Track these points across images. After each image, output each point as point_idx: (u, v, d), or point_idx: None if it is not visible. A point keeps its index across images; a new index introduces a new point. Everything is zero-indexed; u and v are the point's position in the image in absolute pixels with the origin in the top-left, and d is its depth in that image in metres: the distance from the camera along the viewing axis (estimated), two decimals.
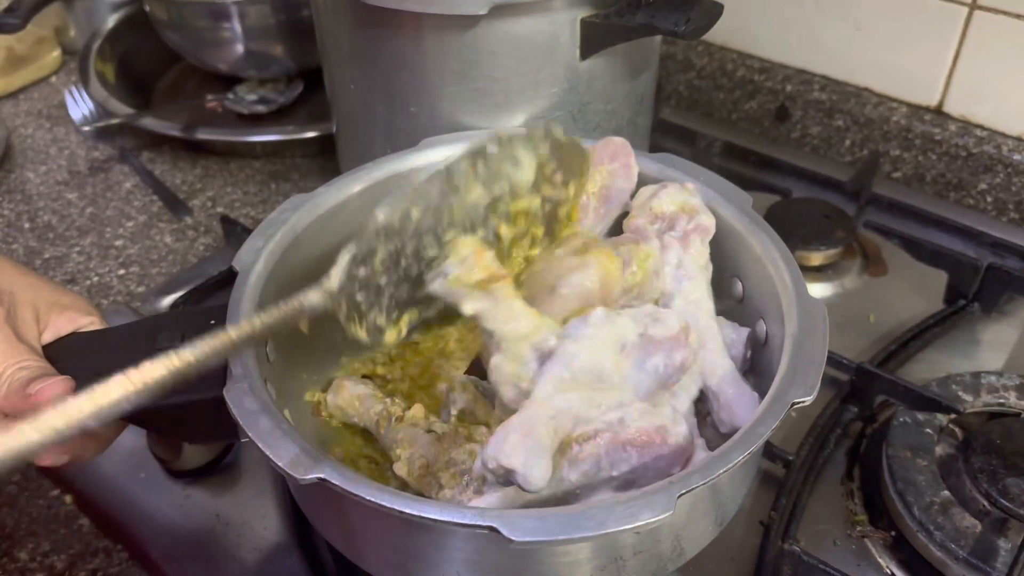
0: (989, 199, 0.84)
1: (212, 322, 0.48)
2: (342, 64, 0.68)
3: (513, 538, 0.36)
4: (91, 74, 1.00)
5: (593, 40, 0.61)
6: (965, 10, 0.79)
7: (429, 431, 0.51)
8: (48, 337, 0.50)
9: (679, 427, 0.45)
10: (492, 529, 0.37)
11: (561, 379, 0.43)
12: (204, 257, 0.81)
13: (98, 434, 0.50)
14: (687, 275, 0.52)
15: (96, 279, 0.80)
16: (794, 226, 0.75)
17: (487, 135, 0.47)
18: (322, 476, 0.39)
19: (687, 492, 0.38)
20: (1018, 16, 0.76)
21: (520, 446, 0.40)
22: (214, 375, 0.45)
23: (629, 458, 0.43)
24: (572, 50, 0.62)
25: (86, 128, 0.96)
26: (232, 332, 0.40)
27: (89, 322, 0.51)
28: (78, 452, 0.49)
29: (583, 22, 0.61)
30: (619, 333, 0.45)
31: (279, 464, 0.40)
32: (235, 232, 0.80)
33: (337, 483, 0.39)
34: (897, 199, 0.83)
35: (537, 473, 0.40)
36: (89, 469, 0.60)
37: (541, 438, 0.41)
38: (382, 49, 0.63)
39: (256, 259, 0.51)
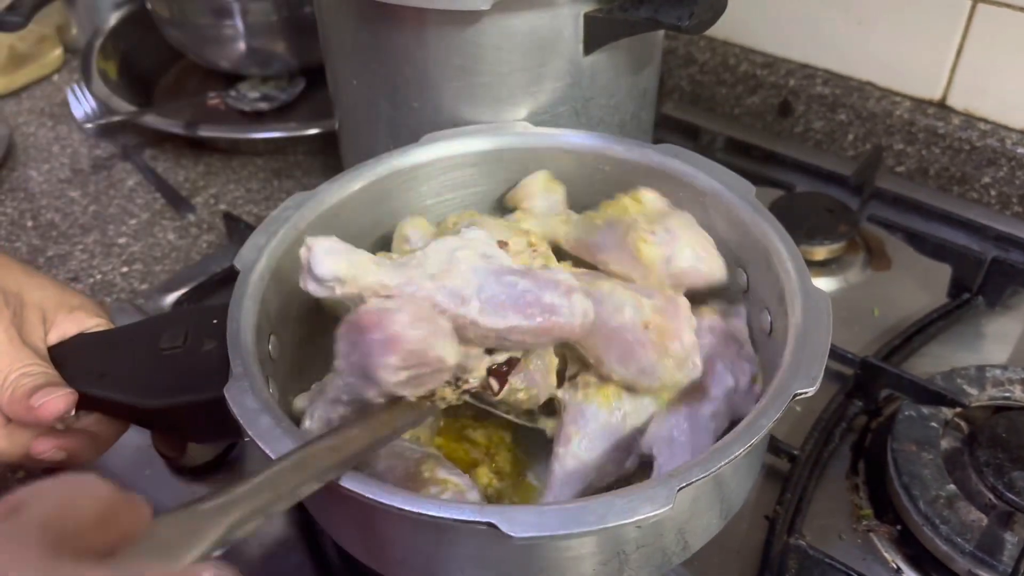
0: (993, 193, 0.83)
1: (215, 321, 0.48)
2: (344, 60, 0.68)
3: (512, 534, 0.36)
4: (93, 72, 1.00)
5: (596, 35, 0.61)
6: (968, 3, 0.78)
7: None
8: (54, 338, 0.50)
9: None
10: (491, 525, 0.37)
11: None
12: (207, 254, 0.81)
13: (98, 435, 0.50)
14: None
15: (99, 277, 0.80)
16: (797, 221, 0.75)
17: None
18: None
19: (687, 485, 0.38)
20: (1021, 9, 0.76)
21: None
22: (215, 374, 0.45)
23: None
24: (575, 45, 0.62)
25: (88, 126, 0.96)
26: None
27: (96, 324, 0.51)
28: (77, 452, 0.49)
29: (586, 17, 0.60)
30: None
31: None
32: (238, 229, 0.80)
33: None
34: (901, 193, 0.82)
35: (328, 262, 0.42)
36: (94, 466, 0.60)
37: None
38: (385, 45, 0.63)
39: (258, 257, 0.51)
